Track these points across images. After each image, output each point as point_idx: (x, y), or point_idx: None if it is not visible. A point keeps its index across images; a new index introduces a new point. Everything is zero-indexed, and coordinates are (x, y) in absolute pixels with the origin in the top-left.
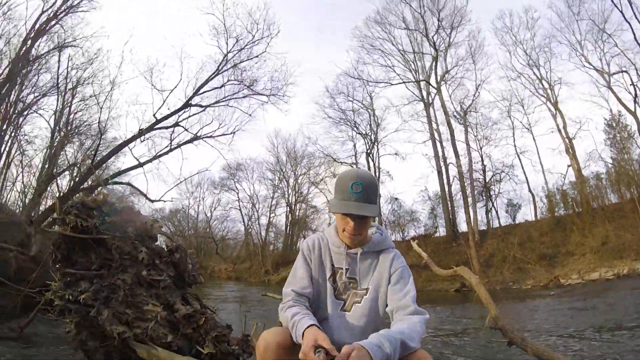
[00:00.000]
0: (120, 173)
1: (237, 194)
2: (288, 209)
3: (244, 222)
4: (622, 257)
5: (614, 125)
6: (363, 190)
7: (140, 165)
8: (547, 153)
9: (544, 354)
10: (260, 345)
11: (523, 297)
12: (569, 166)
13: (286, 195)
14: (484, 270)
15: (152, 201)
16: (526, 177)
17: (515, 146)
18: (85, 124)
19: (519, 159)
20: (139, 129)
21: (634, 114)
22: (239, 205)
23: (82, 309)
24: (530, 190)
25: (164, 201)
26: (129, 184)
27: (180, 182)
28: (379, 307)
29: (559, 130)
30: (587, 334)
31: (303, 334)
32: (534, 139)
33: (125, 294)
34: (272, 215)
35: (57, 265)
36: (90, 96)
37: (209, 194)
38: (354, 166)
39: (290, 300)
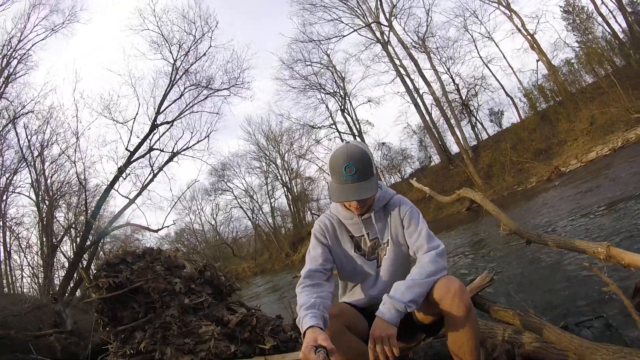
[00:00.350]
0: (116, 217)
1: (233, 192)
2: (285, 189)
3: (248, 217)
4: (613, 131)
5: (571, 10)
6: (357, 170)
7: (132, 201)
8: (514, 55)
9: (561, 242)
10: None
11: (531, 195)
12: (537, 61)
13: (279, 177)
14: (486, 182)
15: (156, 231)
16: (500, 84)
17: (481, 57)
18: (65, 183)
19: (489, 69)
20: (118, 168)
21: None
22: (238, 203)
23: (147, 356)
24: (507, 94)
25: (167, 227)
26: (128, 224)
27: (175, 203)
28: (403, 253)
29: (519, 30)
30: (598, 212)
31: (304, 333)
32: (497, 45)
33: (178, 326)
34: (272, 200)
35: (107, 329)
36: (60, 155)
37: (206, 203)
38: (334, 127)
39: (303, 280)
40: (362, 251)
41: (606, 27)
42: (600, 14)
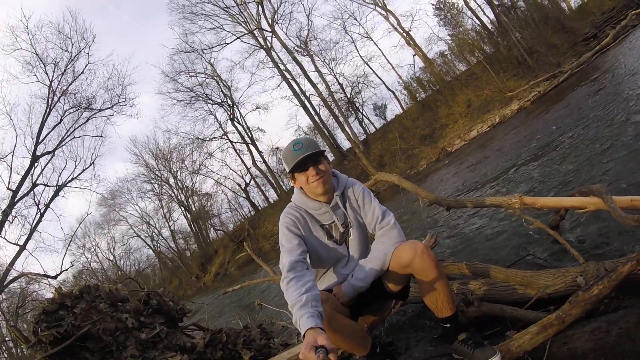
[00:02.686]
0: (9, 269)
1: (127, 221)
2: (183, 209)
3: (148, 245)
4: (490, 110)
5: (442, 6)
6: (303, 145)
7: (23, 247)
8: (392, 52)
9: (478, 201)
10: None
11: (425, 176)
12: (414, 55)
13: (174, 197)
14: (380, 170)
15: (55, 277)
16: (381, 79)
17: (361, 57)
18: None
19: (369, 67)
20: (2, 211)
21: None
22: (135, 232)
23: None
24: (389, 89)
25: (66, 270)
26: (23, 274)
27: (70, 242)
28: (364, 231)
29: (395, 28)
30: (494, 180)
31: (304, 334)
32: (375, 44)
33: None
34: (171, 223)
35: None
36: None
37: (101, 238)
38: (225, 137)
39: (286, 274)
40: (333, 238)
41: (475, 19)
42: (470, 9)
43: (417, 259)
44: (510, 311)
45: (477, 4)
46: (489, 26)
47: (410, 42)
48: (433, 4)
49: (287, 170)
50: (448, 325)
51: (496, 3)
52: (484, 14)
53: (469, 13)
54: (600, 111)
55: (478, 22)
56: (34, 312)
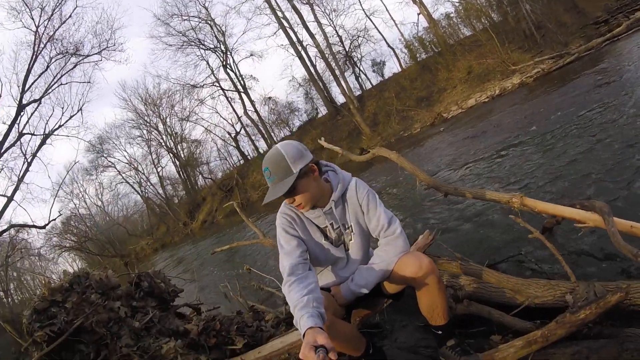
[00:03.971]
0: None
1: (115, 167)
2: (171, 155)
3: (136, 191)
4: (490, 80)
5: None
6: (271, 173)
7: (10, 199)
8: (396, 8)
9: (478, 193)
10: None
11: (418, 141)
12: (419, 14)
13: (163, 143)
14: (373, 129)
15: (43, 227)
16: (382, 35)
17: (363, 10)
18: None
19: (371, 21)
20: None
21: None
22: (123, 178)
23: None
24: (389, 46)
25: (54, 220)
26: (12, 226)
27: (57, 191)
28: (367, 235)
29: None
30: (492, 158)
31: (304, 334)
32: None
33: (139, 354)
34: (159, 169)
35: None
36: None
37: (89, 184)
38: (217, 84)
39: (287, 278)
40: (329, 239)
41: None
42: None
43: (420, 275)
44: (498, 316)
45: None
46: None
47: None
48: None
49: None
50: (439, 332)
51: None
52: None
53: None
54: (604, 109)
55: None
56: (27, 309)
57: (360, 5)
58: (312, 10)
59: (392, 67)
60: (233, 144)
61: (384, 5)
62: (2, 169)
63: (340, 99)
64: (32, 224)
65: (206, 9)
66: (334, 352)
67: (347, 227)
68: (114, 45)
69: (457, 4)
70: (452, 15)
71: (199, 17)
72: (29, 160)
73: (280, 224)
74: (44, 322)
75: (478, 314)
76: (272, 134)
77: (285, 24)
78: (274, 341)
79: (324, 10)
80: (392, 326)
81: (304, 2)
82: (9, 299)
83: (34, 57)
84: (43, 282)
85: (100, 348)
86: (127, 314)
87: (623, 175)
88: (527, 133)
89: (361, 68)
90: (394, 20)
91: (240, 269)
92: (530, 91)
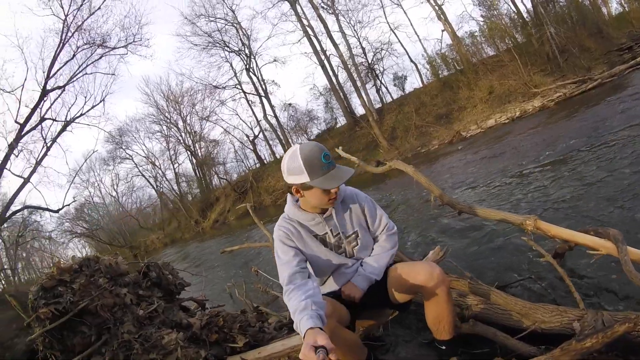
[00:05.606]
0: (12, 200)
1: (133, 159)
2: (189, 153)
3: (151, 185)
4: (511, 101)
5: None
6: (331, 157)
7: (27, 180)
8: (420, 23)
9: (492, 213)
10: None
11: (435, 157)
12: (443, 31)
13: (182, 140)
14: (391, 143)
15: (57, 211)
16: (405, 50)
17: (388, 23)
18: None
19: (395, 35)
20: (8, 145)
21: None
22: (140, 171)
23: None
24: (412, 60)
25: (67, 205)
26: (26, 207)
27: (74, 177)
28: (370, 240)
29: (428, 0)
30: (508, 180)
31: (304, 335)
32: (405, 12)
33: (140, 342)
34: (175, 166)
35: None
36: None
37: (105, 173)
38: (239, 87)
39: (286, 287)
40: (329, 246)
41: (511, 5)
42: None
43: (431, 284)
44: (502, 339)
45: None
46: (524, 15)
47: (441, 16)
48: None
49: (308, 179)
50: (444, 347)
51: None
52: (522, 1)
53: None
54: (625, 137)
55: (514, 9)
56: (34, 287)
57: (385, 18)
58: (338, 20)
59: (413, 82)
60: (250, 146)
61: (409, 20)
62: (21, 150)
63: (359, 110)
64: (46, 207)
65: (233, 11)
66: (335, 353)
67: (348, 235)
68: (140, 40)
69: (481, 23)
70: (476, 34)
71: (226, 20)
72: (48, 144)
73: (278, 237)
74: (50, 300)
75: (483, 334)
76: (290, 140)
77: (310, 32)
78: (275, 343)
79: (349, 21)
80: (395, 340)
81: (330, 12)
82: (16, 278)
83: (61, 45)
84: (53, 261)
85: (102, 332)
86: (132, 301)
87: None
88: (545, 157)
89: (382, 81)
90: (417, 36)
91: (248, 270)
92: (550, 115)
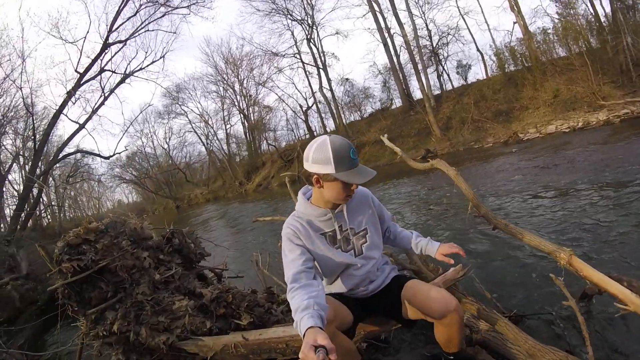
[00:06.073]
0: (66, 143)
1: (187, 116)
2: (242, 116)
3: (202, 142)
4: (575, 109)
5: None
6: (358, 157)
7: (82, 126)
8: (492, 11)
9: (526, 236)
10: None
11: (487, 156)
12: (514, 23)
13: (236, 103)
14: (444, 133)
15: (107, 158)
16: (473, 37)
17: (458, 7)
18: (12, 107)
19: (464, 20)
20: (67, 92)
21: None
22: (192, 127)
23: (121, 337)
24: (478, 50)
25: (119, 153)
26: (78, 150)
27: (127, 128)
28: (380, 235)
29: None
30: (554, 196)
31: (304, 334)
32: None
33: (151, 305)
34: (227, 126)
35: (76, 310)
36: (4, 79)
37: (159, 126)
38: (298, 56)
39: (290, 285)
40: (337, 244)
41: (590, 6)
42: None
43: (446, 316)
44: None
45: None
46: (602, 19)
47: (515, 7)
48: None
49: (334, 171)
50: (452, 358)
51: None
52: (600, 4)
53: None
54: None
55: (592, 11)
56: (60, 243)
57: (456, 2)
58: None
59: (476, 73)
60: (302, 117)
61: (480, 6)
62: (78, 98)
63: (417, 94)
64: (98, 152)
65: None
66: (334, 353)
67: (357, 231)
68: (204, 1)
69: (556, 21)
70: (549, 31)
71: None
72: (106, 94)
73: (286, 234)
74: (73, 256)
75: None
76: (343, 115)
77: (376, 8)
78: (277, 328)
79: (417, 1)
80: (399, 346)
81: None
82: (62, 214)
83: (125, 1)
84: (101, 201)
85: (119, 290)
86: (150, 265)
87: None
88: (600, 179)
89: (445, 67)
90: (487, 24)
91: (277, 240)
92: (614, 132)
